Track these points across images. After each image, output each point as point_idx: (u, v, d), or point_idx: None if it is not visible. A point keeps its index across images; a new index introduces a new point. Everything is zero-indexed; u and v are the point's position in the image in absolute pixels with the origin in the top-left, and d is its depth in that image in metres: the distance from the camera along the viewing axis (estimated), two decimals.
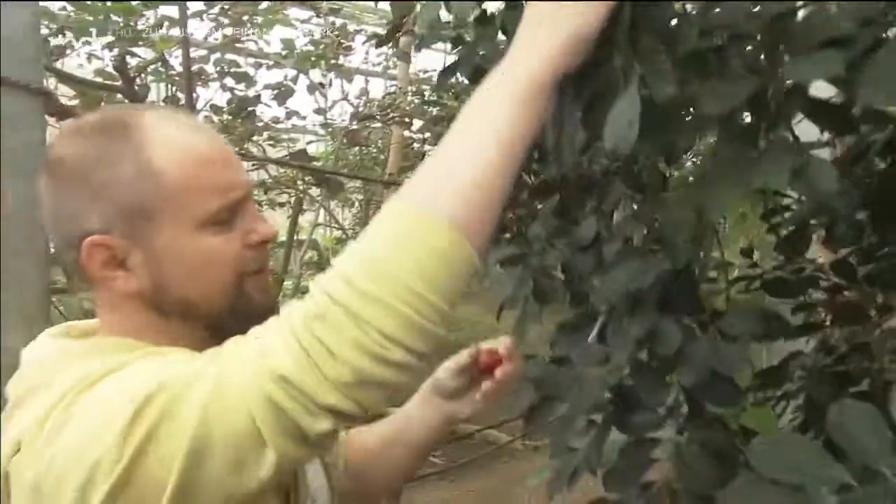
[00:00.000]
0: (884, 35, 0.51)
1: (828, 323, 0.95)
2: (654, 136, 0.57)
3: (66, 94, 3.55)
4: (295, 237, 4.20)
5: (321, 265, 7.82)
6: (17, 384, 0.69)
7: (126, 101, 2.97)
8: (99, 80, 3.14)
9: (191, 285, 0.69)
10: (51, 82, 3.49)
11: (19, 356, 1.24)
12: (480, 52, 0.82)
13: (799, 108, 0.55)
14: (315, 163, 4.23)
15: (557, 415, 0.77)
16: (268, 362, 0.56)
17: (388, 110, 4.06)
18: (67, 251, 0.69)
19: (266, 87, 3.87)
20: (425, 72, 4.85)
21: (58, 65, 3.05)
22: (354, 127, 4.13)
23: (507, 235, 0.96)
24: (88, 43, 3.14)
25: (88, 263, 0.67)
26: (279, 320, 0.59)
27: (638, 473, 0.76)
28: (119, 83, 2.90)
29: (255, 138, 3.85)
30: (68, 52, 3.00)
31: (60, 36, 2.90)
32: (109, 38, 2.74)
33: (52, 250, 1.03)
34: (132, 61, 3.09)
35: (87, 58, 3.34)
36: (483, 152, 0.57)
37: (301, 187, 4.07)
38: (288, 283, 4.19)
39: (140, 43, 3.06)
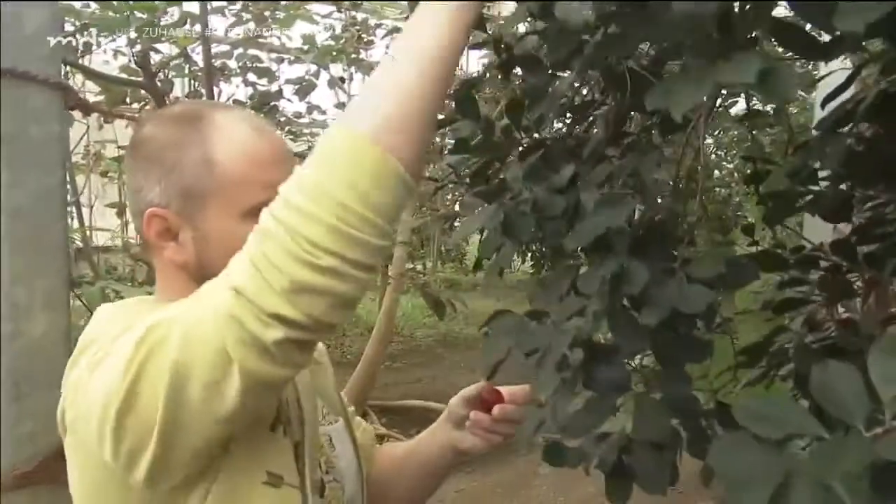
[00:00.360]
0: None
1: (816, 299, 0.96)
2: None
3: (91, 91, 3.63)
4: None
5: None
6: (85, 334, 0.78)
7: (149, 96, 3.02)
8: (123, 76, 3.20)
9: None
10: (78, 79, 3.58)
11: (40, 343, 1.29)
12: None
13: (764, 26, 0.56)
14: None
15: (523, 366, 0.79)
16: (229, 281, 0.63)
17: None
18: (136, 219, 0.80)
19: (288, 81, 3.91)
20: None
21: (84, 61, 3.11)
22: None
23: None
24: (113, 40, 3.21)
25: (147, 231, 0.78)
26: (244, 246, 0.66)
27: (598, 422, 0.78)
28: (142, 79, 2.96)
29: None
30: (94, 48, 3.06)
31: (85, 33, 2.96)
32: (133, 35, 2.79)
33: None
34: (155, 57, 3.15)
35: (113, 54, 3.42)
36: (401, 75, 0.63)
37: None
38: None
39: (163, 39, 3.12)
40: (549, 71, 0.94)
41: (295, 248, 0.60)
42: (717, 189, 4.73)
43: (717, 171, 5.03)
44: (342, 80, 4.38)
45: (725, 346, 1.09)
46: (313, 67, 3.97)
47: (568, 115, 1.07)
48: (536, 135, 0.97)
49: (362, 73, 4.37)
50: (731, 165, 4.94)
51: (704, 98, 0.52)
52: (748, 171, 0.97)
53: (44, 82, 1.31)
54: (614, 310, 0.74)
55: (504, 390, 0.92)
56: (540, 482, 3.72)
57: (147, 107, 3.32)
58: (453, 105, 0.96)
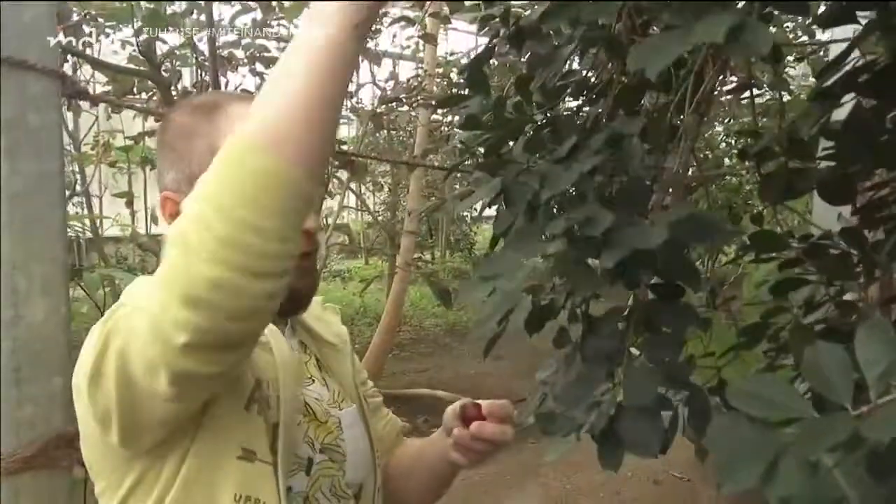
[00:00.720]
0: None
1: (815, 279, 0.95)
2: None
3: (99, 81, 3.64)
4: (323, 220, 4.28)
5: (353, 250, 7.92)
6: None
7: (155, 86, 3.03)
8: (131, 66, 3.21)
9: None
10: (86, 70, 3.59)
11: (39, 328, 1.30)
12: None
13: None
14: (342, 146, 4.27)
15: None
16: (155, 276, 0.65)
17: (415, 93, 4.07)
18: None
19: None
20: (452, 54, 4.85)
21: (92, 51, 3.13)
22: (380, 110, 4.15)
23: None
24: (121, 30, 3.22)
25: (162, 211, 0.84)
26: None
27: (589, 391, 0.78)
28: (148, 69, 2.97)
29: None
30: (100, 38, 3.07)
31: (92, 22, 2.97)
32: (138, 25, 2.79)
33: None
34: (162, 47, 3.16)
35: (121, 45, 3.43)
36: (287, 81, 0.61)
37: (328, 170, 4.12)
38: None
39: (169, 29, 3.12)
40: (555, 44, 0.95)
41: (188, 258, 0.60)
42: (727, 178, 4.69)
43: (727, 160, 5.00)
44: None
45: (727, 329, 1.09)
46: None
47: (583, 94, 1.07)
48: (549, 113, 0.97)
49: (368, 61, 4.37)
50: None
51: (678, 56, 0.52)
52: (741, 147, 0.97)
53: (42, 70, 1.32)
54: (574, 253, 0.74)
55: (483, 405, 0.93)
56: (546, 470, 3.73)
57: (154, 97, 3.33)
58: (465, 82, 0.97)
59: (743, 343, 1.03)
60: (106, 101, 2.61)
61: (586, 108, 1.06)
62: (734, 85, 1.35)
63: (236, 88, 3.77)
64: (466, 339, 6.39)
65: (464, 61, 4.69)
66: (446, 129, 4.56)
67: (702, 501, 3.42)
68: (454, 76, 4.35)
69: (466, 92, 0.94)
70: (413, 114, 4.45)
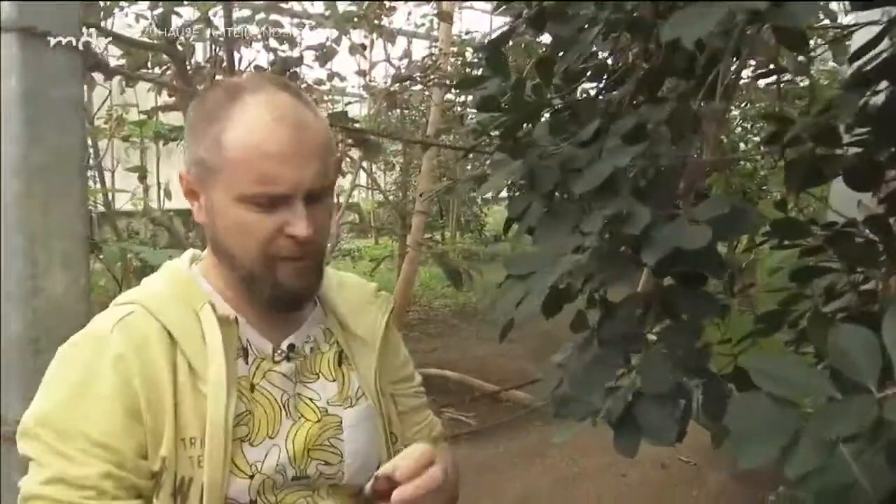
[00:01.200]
0: None
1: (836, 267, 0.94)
2: None
3: (114, 55, 3.63)
4: (336, 199, 4.28)
5: (363, 229, 7.92)
6: None
7: (169, 60, 3.03)
8: (145, 39, 3.20)
9: (228, 241, 0.82)
10: (101, 42, 3.57)
11: (59, 300, 1.31)
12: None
13: None
14: (356, 124, 4.26)
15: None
16: None
17: (429, 72, 4.05)
18: None
19: (308, 48, 3.89)
20: (467, 33, 4.81)
21: (107, 24, 3.12)
22: (394, 89, 4.13)
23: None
24: (136, 2, 3.21)
25: (181, 187, 0.86)
26: None
27: (607, 376, 0.79)
28: (163, 43, 2.96)
29: None
30: (115, 11, 3.07)
31: None
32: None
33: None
34: (177, 21, 3.14)
35: (135, 18, 3.42)
36: None
37: (340, 149, 4.11)
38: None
39: (184, 3, 3.11)
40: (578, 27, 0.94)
41: None
42: (742, 163, 4.66)
43: (742, 145, 4.95)
44: (363, 46, 4.35)
45: (743, 316, 1.08)
46: (334, 33, 3.94)
47: (603, 77, 1.06)
48: (567, 96, 0.96)
49: (384, 39, 4.34)
50: (756, 138, 4.86)
51: (714, 25, 0.51)
52: (768, 133, 0.95)
53: (64, 44, 1.31)
54: (610, 248, 0.74)
55: (396, 467, 0.78)
56: (553, 452, 3.75)
57: (168, 71, 3.33)
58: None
59: (760, 330, 1.03)
60: (124, 74, 2.60)
61: (605, 93, 1.05)
62: (761, 70, 1.33)
63: (250, 64, 3.76)
64: (475, 320, 6.40)
65: (478, 40, 4.64)
66: (459, 108, 4.53)
67: (709, 485, 3.43)
68: (469, 55, 4.31)
69: (483, 72, 0.93)
70: (426, 93, 4.42)
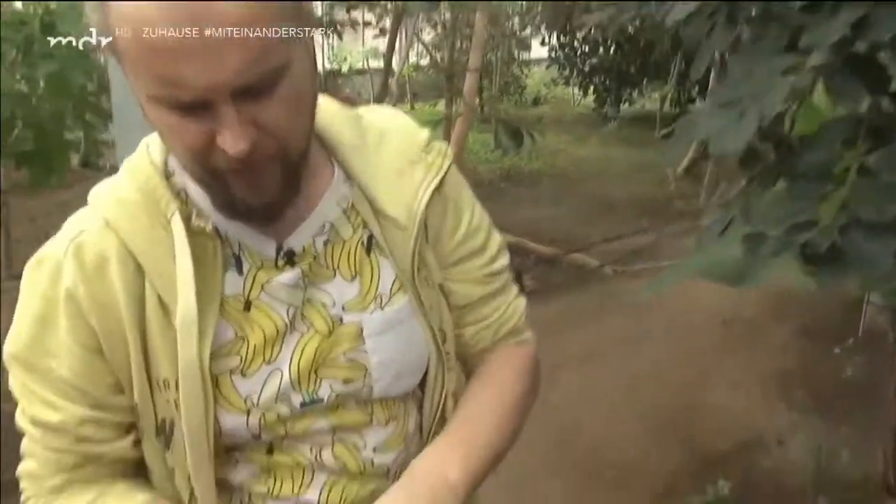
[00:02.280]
0: None
1: None
2: None
3: None
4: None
5: (401, 93, 7.69)
6: None
7: None
8: None
9: (165, 143, 0.65)
10: None
11: None
12: None
13: None
14: None
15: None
16: None
17: None
18: None
19: None
20: None
21: None
22: None
23: None
24: None
25: None
26: None
27: (805, 209, 0.72)
28: None
29: None
30: None
31: None
32: None
33: None
34: None
35: None
36: None
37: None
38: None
39: None
40: None
41: None
42: None
43: None
44: None
45: None
46: None
47: None
48: None
49: None
50: None
51: None
52: None
53: None
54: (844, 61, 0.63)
55: None
56: (616, 313, 3.78)
57: None
58: None
59: None
60: None
61: None
62: None
63: None
64: (523, 183, 6.32)
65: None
66: None
67: (773, 340, 3.44)
68: None
69: None
70: None
